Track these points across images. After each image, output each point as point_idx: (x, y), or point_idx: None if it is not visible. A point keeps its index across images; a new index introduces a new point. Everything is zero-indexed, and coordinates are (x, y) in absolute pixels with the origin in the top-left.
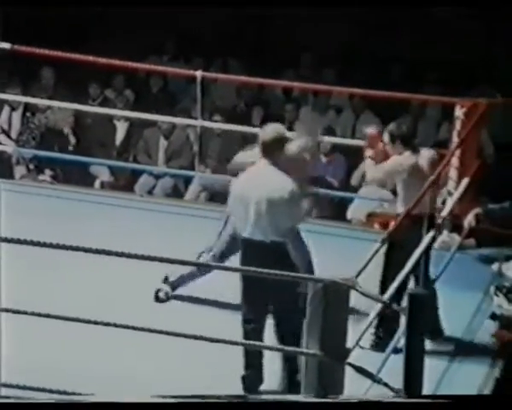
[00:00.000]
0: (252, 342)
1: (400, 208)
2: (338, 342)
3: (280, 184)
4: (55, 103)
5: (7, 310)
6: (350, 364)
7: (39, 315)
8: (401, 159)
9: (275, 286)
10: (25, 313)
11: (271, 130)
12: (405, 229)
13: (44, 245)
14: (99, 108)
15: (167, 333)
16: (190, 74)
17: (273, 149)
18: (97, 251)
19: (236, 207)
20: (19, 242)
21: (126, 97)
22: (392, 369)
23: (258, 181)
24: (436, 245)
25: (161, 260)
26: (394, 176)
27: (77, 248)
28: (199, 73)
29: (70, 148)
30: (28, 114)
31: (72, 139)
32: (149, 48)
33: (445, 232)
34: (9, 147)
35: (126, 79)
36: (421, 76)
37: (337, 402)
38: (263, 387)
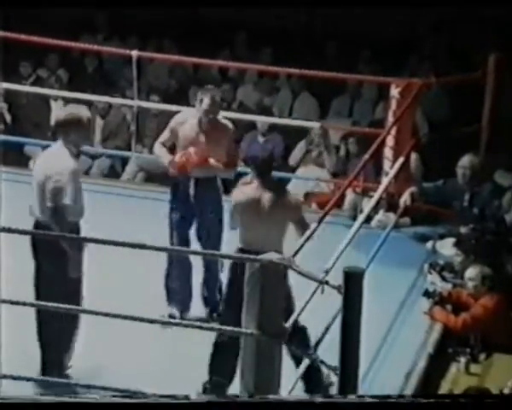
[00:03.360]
0: None
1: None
2: (275, 321)
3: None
4: None
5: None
6: (286, 342)
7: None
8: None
9: None
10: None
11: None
12: None
13: None
14: (31, 88)
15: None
16: (126, 54)
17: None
18: (39, 234)
19: None
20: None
21: (60, 77)
22: (329, 346)
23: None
24: (372, 224)
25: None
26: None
27: (15, 231)
28: (134, 53)
29: (2, 127)
30: None
31: (7, 117)
32: (82, 26)
33: (381, 211)
34: None
35: (60, 58)
36: (356, 55)
37: (338, 402)
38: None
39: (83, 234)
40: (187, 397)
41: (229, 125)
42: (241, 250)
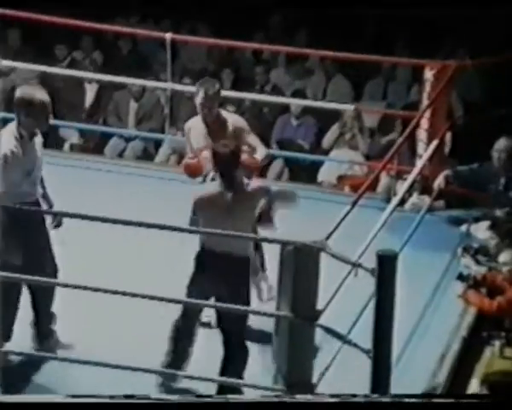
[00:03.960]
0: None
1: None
2: (309, 303)
3: None
4: (21, 65)
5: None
6: (320, 325)
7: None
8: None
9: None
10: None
11: None
12: None
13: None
14: (66, 70)
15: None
16: (160, 36)
17: None
18: (68, 215)
19: None
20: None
21: (95, 59)
22: (363, 330)
23: None
24: (406, 207)
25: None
26: None
27: (46, 212)
28: (168, 36)
29: None
30: None
31: None
32: (116, 9)
33: (415, 194)
34: None
35: (94, 40)
36: (392, 37)
37: (338, 402)
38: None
39: (117, 216)
40: (185, 397)
41: (232, 118)
42: (203, 251)
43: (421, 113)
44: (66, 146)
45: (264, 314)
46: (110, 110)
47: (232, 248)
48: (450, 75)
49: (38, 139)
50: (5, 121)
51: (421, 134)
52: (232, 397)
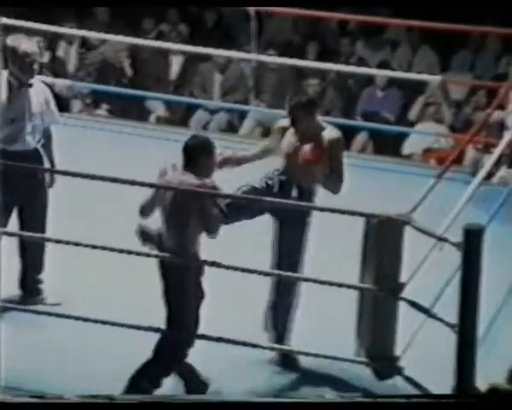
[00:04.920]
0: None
1: None
2: (392, 276)
3: None
4: (110, 37)
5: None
6: (404, 298)
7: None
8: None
9: None
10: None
11: None
12: None
13: (91, 177)
14: (153, 42)
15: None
16: (245, 8)
17: None
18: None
19: None
20: (64, 173)
21: (181, 31)
22: (447, 304)
23: None
24: (494, 180)
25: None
26: None
27: (124, 181)
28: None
29: (125, 82)
30: (83, 50)
31: (129, 72)
32: None
33: (503, 168)
34: (67, 81)
35: (180, 13)
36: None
37: (339, 402)
38: None
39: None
40: (184, 397)
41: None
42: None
43: (510, 83)
44: (153, 118)
45: (349, 286)
46: (195, 82)
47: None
48: None
49: (38, 92)
50: (97, 94)
51: (511, 106)
52: (231, 397)
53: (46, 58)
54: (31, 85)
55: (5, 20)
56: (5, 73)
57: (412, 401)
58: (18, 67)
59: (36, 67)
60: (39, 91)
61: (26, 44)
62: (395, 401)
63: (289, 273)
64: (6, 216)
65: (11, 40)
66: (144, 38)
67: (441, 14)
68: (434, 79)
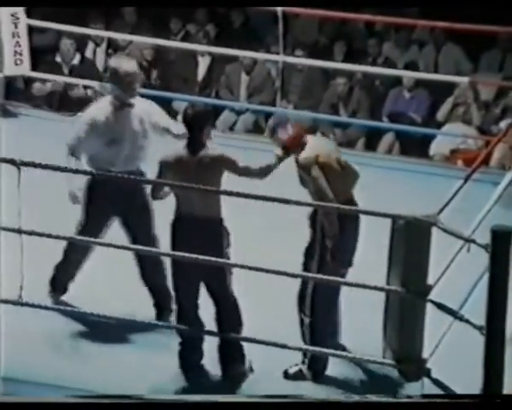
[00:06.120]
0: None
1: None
2: (420, 278)
3: None
4: (137, 38)
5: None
6: (431, 300)
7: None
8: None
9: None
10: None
11: None
12: None
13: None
14: (180, 43)
15: None
16: (272, 9)
17: None
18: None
19: None
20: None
21: (208, 32)
22: (475, 306)
23: None
24: None
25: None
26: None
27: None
28: (280, 8)
29: (152, 83)
30: (110, 51)
31: (154, 74)
32: None
33: None
34: (95, 82)
35: (208, 14)
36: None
37: (339, 402)
38: None
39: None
40: (185, 398)
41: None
42: (178, 220)
43: None
44: (179, 118)
45: (376, 288)
46: (222, 83)
47: (207, 211)
48: None
49: (141, 112)
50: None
51: None
52: (230, 397)
53: (76, 60)
54: (131, 105)
55: (32, 22)
56: (108, 97)
57: (413, 401)
58: (119, 87)
59: (137, 87)
60: (143, 111)
61: (127, 65)
62: (396, 402)
63: (315, 275)
64: (100, 227)
65: (113, 61)
66: (171, 39)
67: (467, 14)
68: (463, 80)
